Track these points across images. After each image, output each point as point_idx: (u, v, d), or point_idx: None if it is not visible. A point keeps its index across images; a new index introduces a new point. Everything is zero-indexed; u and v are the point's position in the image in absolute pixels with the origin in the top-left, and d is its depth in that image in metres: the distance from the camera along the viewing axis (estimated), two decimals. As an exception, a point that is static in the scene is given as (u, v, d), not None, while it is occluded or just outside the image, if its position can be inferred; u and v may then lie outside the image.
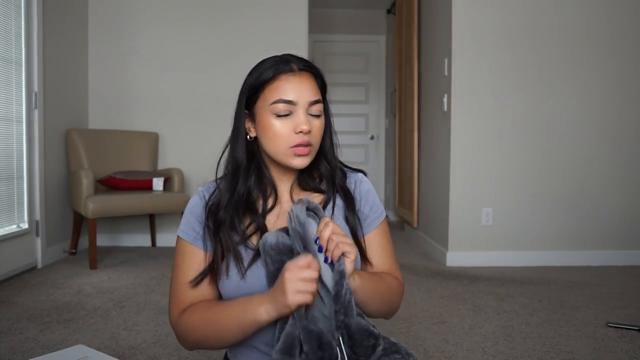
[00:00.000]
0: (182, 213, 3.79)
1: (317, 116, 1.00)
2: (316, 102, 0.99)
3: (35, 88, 3.09)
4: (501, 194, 3.37)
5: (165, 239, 3.89)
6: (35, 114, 3.10)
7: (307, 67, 1.00)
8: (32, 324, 2.11)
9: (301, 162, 0.99)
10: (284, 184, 1.06)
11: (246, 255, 0.98)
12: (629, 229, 3.41)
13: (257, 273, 0.96)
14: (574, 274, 3.14)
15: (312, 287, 0.82)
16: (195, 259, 1.01)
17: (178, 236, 1.05)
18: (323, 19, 5.70)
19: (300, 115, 0.97)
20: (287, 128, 0.97)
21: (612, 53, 3.38)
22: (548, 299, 2.58)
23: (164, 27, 3.91)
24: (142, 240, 3.90)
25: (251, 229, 1.00)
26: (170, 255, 3.52)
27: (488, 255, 3.35)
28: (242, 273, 0.96)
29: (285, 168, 1.03)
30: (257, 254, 0.96)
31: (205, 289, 1.01)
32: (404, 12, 4.45)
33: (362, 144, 5.92)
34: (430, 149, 3.85)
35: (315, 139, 1.00)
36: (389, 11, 5.47)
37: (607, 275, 3.11)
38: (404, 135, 4.53)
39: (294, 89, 0.97)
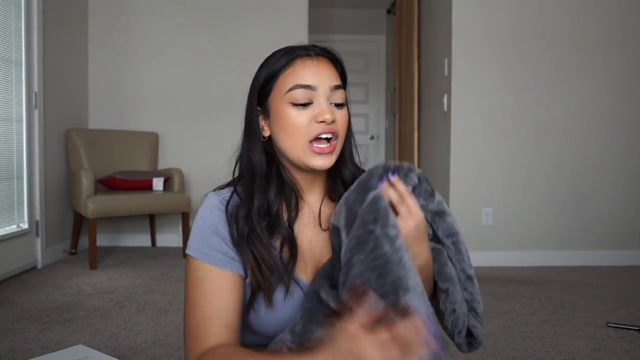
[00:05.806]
0: (183, 215, 3.71)
1: (341, 105, 0.86)
2: (338, 87, 0.86)
3: (35, 88, 3.09)
4: (501, 194, 3.37)
5: (165, 239, 3.89)
6: (35, 114, 3.10)
7: (325, 52, 0.89)
8: (32, 324, 2.11)
9: (323, 162, 0.84)
10: (311, 193, 0.92)
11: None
12: (629, 229, 3.41)
13: (290, 302, 0.84)
14: (574, 274, 3.14)
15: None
16: (224, 285, 0.82)
17: (190, 256, 0.84)
18: (323, 19, 5.69)
19: (321, 103, 0.83)
20: (306, 118, 0.83)
21: (619, 52, 3.37)
22: (548, 299, 2.58)
23: (164, 27, 3.91)
24: (142, 240, 3.90)
25: (278, 243, 0.86)
26: (171, 255, 3.52)
27: (488, 255, 3.34)
28: (269, 300, 0.83)
29: (310, 173, 0.88)
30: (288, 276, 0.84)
31: (235, 324, 0.82)
32: (404, 12, 4.45)
33: (362, 144, 5.91)
34: (430, 149, 3.85)
35: (341, 132, 0.86)
36: (389, 11, 5.47)
37: (607, 275, 3.11)
38: (404, 136, 4.53)
39: (313, 73, 0.84)
